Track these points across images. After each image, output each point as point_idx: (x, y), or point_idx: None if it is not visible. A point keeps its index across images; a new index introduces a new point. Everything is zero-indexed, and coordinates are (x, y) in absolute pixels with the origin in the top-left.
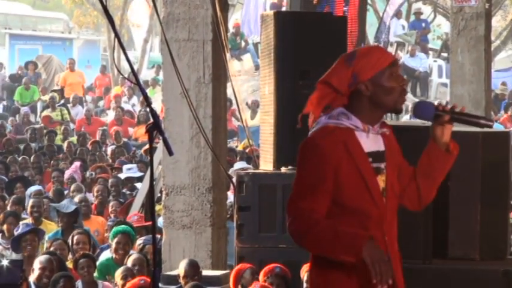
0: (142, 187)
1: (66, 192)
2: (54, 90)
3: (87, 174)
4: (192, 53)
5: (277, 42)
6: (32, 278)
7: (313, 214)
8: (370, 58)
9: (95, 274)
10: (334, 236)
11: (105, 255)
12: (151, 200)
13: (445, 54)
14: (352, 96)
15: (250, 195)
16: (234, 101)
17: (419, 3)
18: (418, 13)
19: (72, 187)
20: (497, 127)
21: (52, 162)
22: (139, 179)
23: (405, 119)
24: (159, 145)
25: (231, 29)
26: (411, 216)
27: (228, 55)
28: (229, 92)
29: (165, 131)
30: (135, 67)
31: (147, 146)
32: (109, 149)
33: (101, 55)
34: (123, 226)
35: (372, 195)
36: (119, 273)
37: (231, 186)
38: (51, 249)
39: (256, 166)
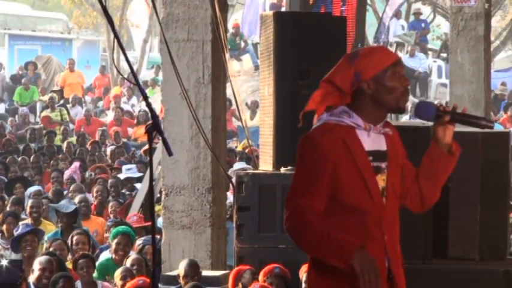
0: (141, 187)
1: (65, 192)
2: (54, 91)
3: (87, 174)
4: (191, 54)
5: (277, 42)
6: (32, 278)
7: (309, 213)
8: (373, 57)
9: (95, 274)
10: (326, 239)
11: (105, 255)
12: (150, 200)
13: (444, 55)
14: (355, 95)
15: (250, 196)
16: (233, 102)
17: (418, 3)
18: (418, 13)
19: (72, 187)
20: (497, 127)
21: (51, 162)
22: (139, 180)
23: (405, 119)
24: (159, 145)
25: (231, 30)
26: (411, 216)
27: (227, 55)
28: (228, 93)
29: (164, 131)
30: (135, 67)
31: (146, 147)
32: (108, 150)
33: (100, 55)
34: (123, 227)
35: (370, 193)
36: (118, 273)
37: (231, 187)
38: (51, 249)
39: (256, 166)
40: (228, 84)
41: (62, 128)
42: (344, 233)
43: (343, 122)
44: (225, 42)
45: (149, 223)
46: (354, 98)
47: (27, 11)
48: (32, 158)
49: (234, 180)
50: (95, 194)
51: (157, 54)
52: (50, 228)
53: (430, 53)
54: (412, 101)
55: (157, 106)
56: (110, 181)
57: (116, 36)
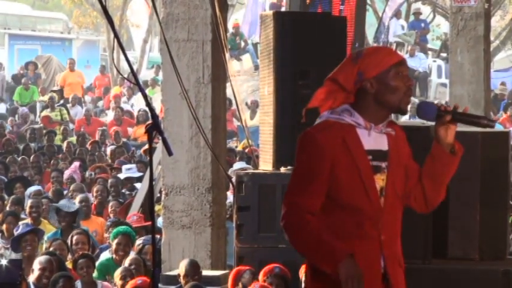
0: (141, 187)
1: (65, 192)
2: (54, 91)
3: (87, 174)
4: (191, 53)
5: (277, 42)
6: (32, 278)
7: (306, 212)
8: (376, 56)
9: (95, 274)
10: (317, 243)
11: (105, 255)
12: (150, 200)
13: (444, 55)
14: (358, 94)
15: (250, 196)
16: (233, 101)
17: (418, 3)
18: (418, 13)
19: (72, 187)
20: (496, 127)
21: (51, 162)
22: (139, 179)
23: (405, 119)
24: (159, 145)
25: (231, 29)
26: (411, 216)
27: (227, 55)
28: (228, 92)
29: (164, 131)
30: (135, 67)
31: (146, 146)
32: (108, 149)
33: (100, 55)
34: (124, 227)
35: (367, 192)
36: (118, 273)
37: (231, 187)
38: (51, 249)
39: (256, 166)
40: (228, 84)
41: (62, 127)
42: (340, 231)
43: (344, 120)
44: (225, 42)
45: (149, 223)
46: (357, 97)
47: (27, 10)
48: (32, 157)
49: (234, 180)
50: (94, 194)
51: (157, 54)
52: (50, 228)
53: (430, 52)
54: (412, 101)
55: (157, 106)
56: (110, 181)
57: (116, 36)
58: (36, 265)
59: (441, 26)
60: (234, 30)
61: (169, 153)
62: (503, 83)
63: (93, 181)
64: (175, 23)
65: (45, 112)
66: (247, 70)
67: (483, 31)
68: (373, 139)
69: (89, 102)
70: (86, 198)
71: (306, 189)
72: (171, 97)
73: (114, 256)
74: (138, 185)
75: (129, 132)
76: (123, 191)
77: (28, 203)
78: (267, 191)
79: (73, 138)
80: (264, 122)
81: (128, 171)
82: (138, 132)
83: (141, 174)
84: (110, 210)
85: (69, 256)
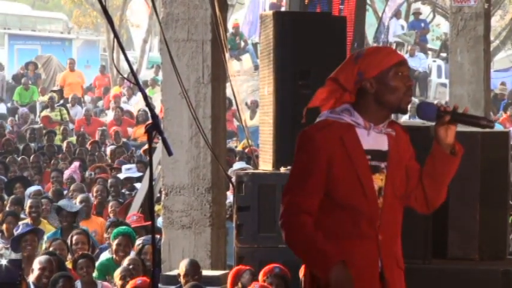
0: (141, 187)
1: (65, 192)
2: (54, 91)
3: (87, 174)
4: (191, 53)
5: (277, 42)
6: (32, 278)
7: (304, 212)
8: (376, 56)
9: (94, 274)
10: (310, 247)
11: (105, 255)
12: (150, 200)
13: (444, 55)
14: (359, 94)
15: (250, 196)
16: (233, 101)
17: (418, 3)
18: (417, 13)
19: (72, 187)
20: (496, 127)
21: (51, 162)
22: (139, 179)
23: (405, 119)
24: (159, 145)
25: (231, 29)
26: (411, 216)
27: (227, 55)
28: (228, 92)
29: (164, 131)
30: (135, 67)
31: (146, 146)
32: (108, 149)
33: (100, 55)
34: (124, 227)
35: (364, 192)
36: (117, 273)
37: (231, 187)
38: (51, 249)
39: (256, 166)
40: (227, 84)
41: (61, 127)
42: (338, 230)
43: (343, 119)
44: (225, 42)
45: (149, 223)
46: (358, 97)
47: (27, 10)
48: (31, 157)
49: (233, 180)
50: (94, 194)
51: (157, 54)
52: (50, 228)
53: (429, 52)
54: (412, 101)
55: (157, 106)
56: (109, 181)
57: (116, 36)
58: (36, 265)
59: (441, 26)
60: (234, 30)
61: (169, 153)
62: (503, 83)
63: (93, 181)
64: (175, 23)
65: (45, 112)
66: (247, 70)
67: (483, 31)
68: (373, 139)
69: (89, 102)
70: (87, 198)
71: (304, 189)
72: (171, 97)
73: (114, 256)
74: (138, 185)
75: (129, 132)
76: (123, 191)
77: (28, 203)
78: (267, 191)
79: (73, 138)
80: (264, 122)
81: (128, 171)
82: (138, 132)
83: (140, 174)
84: (109, 210)
85: (69, 256)
